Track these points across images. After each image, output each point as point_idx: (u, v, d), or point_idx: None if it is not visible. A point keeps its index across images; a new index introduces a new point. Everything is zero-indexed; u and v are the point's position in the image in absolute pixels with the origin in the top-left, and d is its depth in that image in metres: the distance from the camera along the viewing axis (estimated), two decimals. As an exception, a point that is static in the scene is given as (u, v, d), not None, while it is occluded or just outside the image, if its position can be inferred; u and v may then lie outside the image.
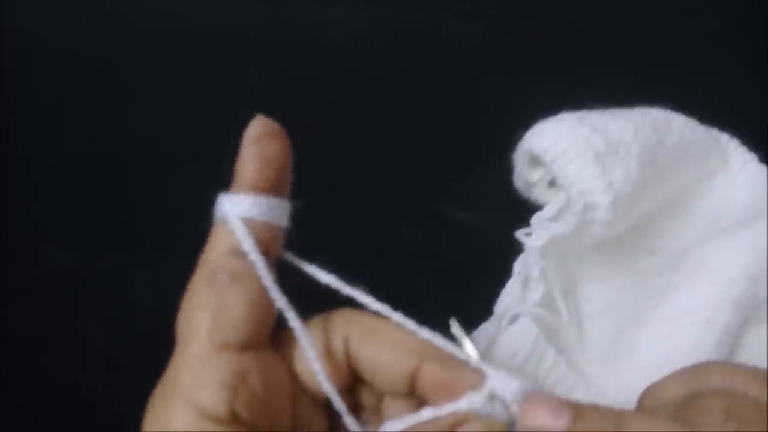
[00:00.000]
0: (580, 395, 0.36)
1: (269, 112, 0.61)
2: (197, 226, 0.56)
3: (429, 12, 0.64)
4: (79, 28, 0.64)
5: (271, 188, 0.33)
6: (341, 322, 0.32)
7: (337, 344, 0.31)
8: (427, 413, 0.29)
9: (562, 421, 0.28)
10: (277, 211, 0.32)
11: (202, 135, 0.59)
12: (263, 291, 0.30)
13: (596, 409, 0.29)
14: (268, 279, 0.30)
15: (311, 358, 0.30)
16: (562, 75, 0.60)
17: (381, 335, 0.31)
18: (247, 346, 0.30)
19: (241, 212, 0.31)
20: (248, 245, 0.30)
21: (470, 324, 0.42)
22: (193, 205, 0.58)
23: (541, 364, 0.36)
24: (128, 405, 0.50)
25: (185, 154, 0.59)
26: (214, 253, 0.31)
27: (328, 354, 0.31)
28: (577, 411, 0.28)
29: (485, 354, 0.35)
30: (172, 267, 0.54)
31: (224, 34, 0.64)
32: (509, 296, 0.40)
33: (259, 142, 0.33)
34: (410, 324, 0.31)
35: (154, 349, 0.52)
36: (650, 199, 0.40)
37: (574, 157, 0.37)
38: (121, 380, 0.51)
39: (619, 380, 0.39)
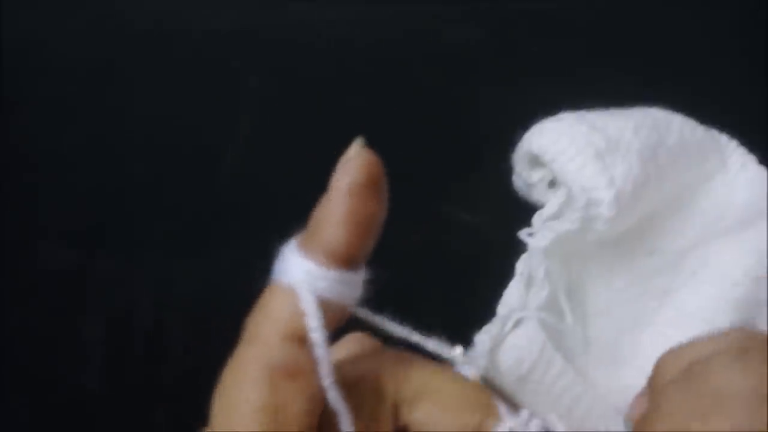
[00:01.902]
0: (587, 403, 0.36)
1: (270, 112, 0.61)
2: (197, 226, 0.57)
3: (429, 13, 0.64)
4: (80, 28, 0.64)
5: (356, 260, 0.27)
6: (391, 385, 0.28)
7: (387, 411, 0.28)
8: None
9: None
10: (354, 289, 0.27)
11: (202, 135, 0.60)
12: (320, 385, 0.26)
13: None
14: (329, 379, 0.26)
15: None
16: (562, 75, 0.60)
17: (434, 393, 0.28)
18: None
19: (317, 290, 0.26)
20: (318, 337, 0.25)
21: (472, 325, 0.42)
22: (193, 206, 0.58)
23: (548, 372, 0.36)
24: (128, 405, 0.50)
25: (185, 155, 0.59)
26: (271, 332, 0.26)
27: (377, 422, 0.28)
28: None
29: (490, 358, 0.34)
30: (172, 267, 0.54)
31: (225, 35, 0.64)
32: (512, 297, 0.40)
33: (356, 196, 0.27)
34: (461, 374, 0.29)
35: (154, 350, 0.52)
36: (651, 197, 0.40)
37: (573, 155, 0.37)
38: (121, 380, 0.51)
39: (623, 383, 0.39)
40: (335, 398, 0.26)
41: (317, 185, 0.60)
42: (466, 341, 0.41)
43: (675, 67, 0.60)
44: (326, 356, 0.26)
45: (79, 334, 0.52)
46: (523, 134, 0.41)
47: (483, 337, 0.35)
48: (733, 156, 0.45)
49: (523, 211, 0.44)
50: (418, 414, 0.28)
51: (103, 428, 0.49)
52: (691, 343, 0.31)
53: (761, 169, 0.44)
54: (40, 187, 0.57)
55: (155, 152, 0.59)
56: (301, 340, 0.26)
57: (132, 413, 0.50)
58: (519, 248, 0.43)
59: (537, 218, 0.39)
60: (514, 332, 0.35)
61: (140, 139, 0.59)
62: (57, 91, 0.61)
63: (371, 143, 0.62)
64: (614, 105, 0.44)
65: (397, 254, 0.54)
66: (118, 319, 0.53)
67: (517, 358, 0.35)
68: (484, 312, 0.45)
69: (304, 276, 0.26)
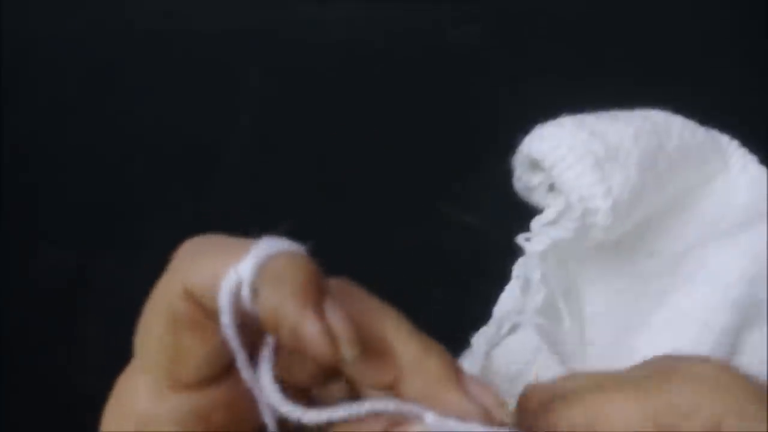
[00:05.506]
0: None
1: (270, 112, 0.61)
2: (197, 226, 0.56)
3: (429, 12, 0.64)
4: (80, 28, 0.64)
5: None
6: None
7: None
8: (368, 405, 0.26)
9: None
10: None
11: (202, 135, 0.60)
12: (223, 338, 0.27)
13: None
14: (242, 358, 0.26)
15: (270, 422, 0.27)
16: (562, 76, 0.60)
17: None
18: (209, 381, 0.27)
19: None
20: (230, 334, 0.26)
21: (470, 327, 0.43)
22: (193, 205, 0.58)
23: (542, 375, 0.36)
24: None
25: (185, 154, 0.59)
26: (179, 283, 0.27)
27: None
28: None
29: (485, 360, 0.34)
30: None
31: (224, 34, 0.64)
32: (509, 300, 0.40)
33: None
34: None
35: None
36: (650, 202, 0.40)
37: (573, 162, 0.37)
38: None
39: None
40: (252, 380, 0.26)
41: (318, 185, 0.60)
42: (464, 342, 0.41)
43: (675, 67, 0.60)
44: (238, 348, 0.26)
45: (79, 334, 0.52)
46: (524, 137, 0.41)
47: (479, 340, 0.35)
48: (734, 157, 0.45)
49: (524, 210, 0.44)
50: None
51: (103, 428, 0.49)
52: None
53: (762, 169, 0.45)
54: (40, 187, 0.57)
55: (155, 152, 0.59)
56: (201, 300, 0.26)
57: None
58: (518, 250, 0.44)
59: (535, 224, 0.40)
60: (510, 337, 0.36)
61: (140, 138, 0.59)
62: (57, 91, 0.61)
63: (371, 143, 0.63)
64: (614, 106, 0.44)
65: (396, 254, 0.54)
66: (118, 319, 0.53)
67: (511, 360, 0.35)
68: (483, 313, 0.45)
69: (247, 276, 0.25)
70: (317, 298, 0.26)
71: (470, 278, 0.51)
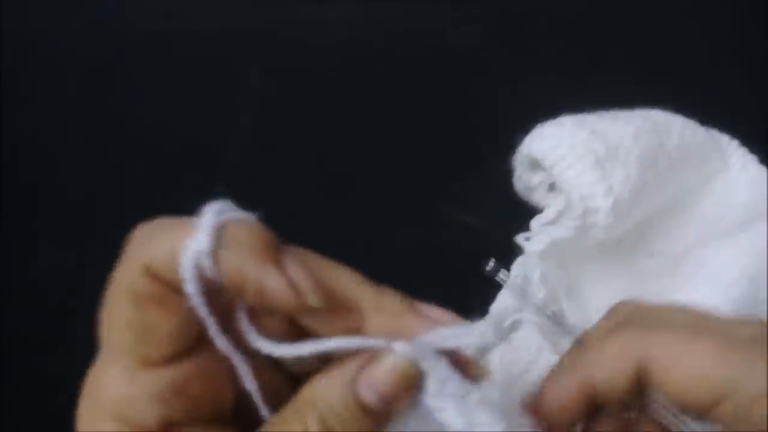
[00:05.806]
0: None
1: (270, 112, 0.61)
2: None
3: (429, 12, 0.64)
4: (80, 28, 0.64)
5: None
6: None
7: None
8: (335, 341, 0.27)
9: None
10: None
11: (202, 135, 0.60)
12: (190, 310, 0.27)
13: None
14: (212, 324, 0.27)
15: (250, 387, 0.28)
16: (562, 76, 0.60)
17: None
18: (180, 355, 0.28)
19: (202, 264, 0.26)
20: (196, 300, 0.27)
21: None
22: (193, 205, 0.58)
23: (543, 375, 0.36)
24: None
25: (185, 154, 0.59)
26: (138, 260, 0.27)
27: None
28: None
29: (480, 355, 0.34)
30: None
31: (224, 34, 0.64)
32: (506, 299, 0.40)
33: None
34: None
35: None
36: (650, 202, 0.40)
37: (573, 161, 0.37)
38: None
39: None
40: (219, 339, 0.27)
41: (318, 185, 0.60)
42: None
43: (675, 67, 0.60)
44: (207, 315, 0.27)
45: (78, 334, 0.52)
46: (524, 136, 0.41)
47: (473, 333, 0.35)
48: (734, 156, 0.45)
49: (524, 210, 0.44)
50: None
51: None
52: None
53: (762, 169, 0.45)
54: (40, 187, 0.57)
55: (155, 152, 0.59)
56: (163, 280, 0.27)
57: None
58: (518, 249, 0.44)
59: (535, 223, 0.40)
60: (512, 336, 0.35)
61: (140, 138, 0.59)
62: (57, 91, 0.61)
63: (371, 143, 0.62)
64: (614, 106, 0.44)
65: (396, 254, 0.54)
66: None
67: (514, 360, 0.35)
68: (483, 312, 0.45)
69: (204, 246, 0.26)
70: (276, 254, 0.27)
71: (470, 278, 0.51)
